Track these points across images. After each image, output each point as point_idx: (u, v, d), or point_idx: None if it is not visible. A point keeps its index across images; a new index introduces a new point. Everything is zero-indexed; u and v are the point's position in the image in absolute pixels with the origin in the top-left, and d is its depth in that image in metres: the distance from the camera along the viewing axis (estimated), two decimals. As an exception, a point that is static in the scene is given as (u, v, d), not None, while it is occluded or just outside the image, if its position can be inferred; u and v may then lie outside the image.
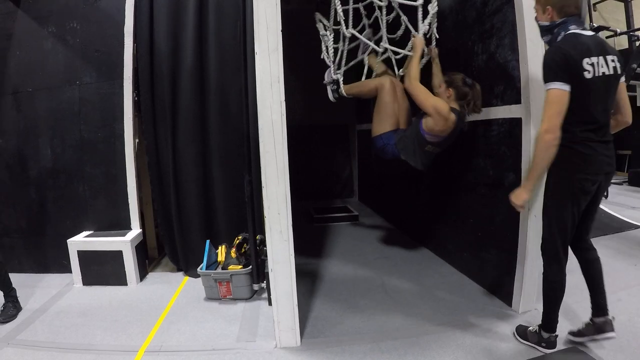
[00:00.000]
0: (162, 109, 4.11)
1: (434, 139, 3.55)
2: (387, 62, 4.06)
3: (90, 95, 4.20)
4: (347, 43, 4.01)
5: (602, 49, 2.35)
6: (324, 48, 4.08)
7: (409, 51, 3.64)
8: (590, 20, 8.00)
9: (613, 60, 2.37)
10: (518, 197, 2.59)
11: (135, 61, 4.11)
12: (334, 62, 3.99)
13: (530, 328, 2.84)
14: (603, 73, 2.33)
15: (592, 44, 2.32)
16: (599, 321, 2.67)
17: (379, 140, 3.87)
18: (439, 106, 3.36)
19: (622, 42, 9.70)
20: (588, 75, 2.29)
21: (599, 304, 2.69)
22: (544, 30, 2.54)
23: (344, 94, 4.01)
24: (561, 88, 2.29)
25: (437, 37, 3.62)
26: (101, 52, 4.17)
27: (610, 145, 2.48)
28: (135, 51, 4.11)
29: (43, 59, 4.22)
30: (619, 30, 8.28)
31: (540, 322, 2.78)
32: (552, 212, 2.55)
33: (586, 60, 2.29)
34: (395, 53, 3.84)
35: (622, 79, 2.49)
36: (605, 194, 7.32)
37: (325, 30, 3.98)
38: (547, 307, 2.69)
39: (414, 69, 3.48)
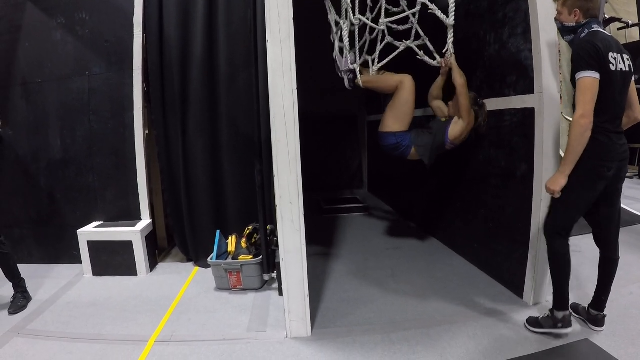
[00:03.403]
0: (171, 99, 4.10)
1: (451, 147, 3.80)
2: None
3: (99, 86, 4.20)
4: (367, 31, 3.88)
5: (619, 48, 2.52)
6: (336, 38, 4.02)
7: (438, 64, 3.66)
8: (603, 12, 7.90)
9: (628, 59, 2.55)
10: (555, 182, 2.62)
11: (144, 51, 4.11)
12: (350, 50, 3.89)
13: (541, 316, 2.88)
14: (621, 69, 2.48)
15: (612, 42, 2.49)
16: (594, 314, 2.87)
17: (391, 137, 3.84)
18: (474, 118, 3.65)
19: (634, 35, 9.62)
20: (612, 68, 2.44)
21: (600, 299, 2.85)
22: (568, 30, 2.67)
23: (360, 84, 3.92)
24: (593, 76, 2.41)
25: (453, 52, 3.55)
26: (110, 43, 4.16)
27: (623, 136, 2.63)
28: (145, 41, 4.10)
29: (52, 50, 4.23)
30: (630, 22, 8.20)
31: (550, 309, 2.84)
32: (570, 196, 2.63)
33: (610, 54, 2.44)
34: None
35: (633, 77, 2.65)
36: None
37: (341, 17, 3.88)
38: (556, 284, 2.78)
39: (462, 74, 3.56)
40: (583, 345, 2.68)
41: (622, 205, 5.69)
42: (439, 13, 3.32)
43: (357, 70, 3.88)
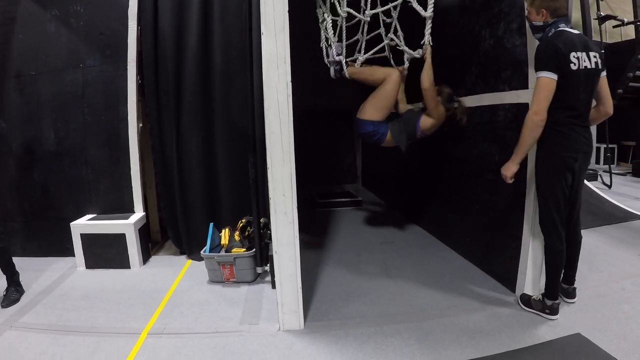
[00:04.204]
0: (166, 92, 4.09)
1: (422, 136, 4.02)
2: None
3: (94, 79, 4.19)
4: (362, 28, 3.88)
5: (586, 46, 2.65)
6: (322, 28, 4.03)
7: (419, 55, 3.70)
8: (598, 9, 7.92)
9: (595, 56, 2.67)
10: (507, 168, 2.90)
11: (139, 44, 4.09)
12: (336, 42, 3.89)
13: (534, 297, 3.06)
14: (585, 67, 2.62)
15: (578, 40, 2.63)
16: (566, 287, 3.14)
17: (369, 124, 3.96)
18: (443, 114, 3.88)
19: (629, 32, 9.62)
20: (574, 67, 2.58)
21: (569, 275, 3.12)
22: (536, 29, 2.80)
23: (347, 76, 3.95)
24: (550, 77, 2.57)
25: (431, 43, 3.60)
26: (105, 35, 4.15)
27: (588, 129, 2.79)
28: (139, 34, 4.08)
29: (46, 42, 4.21)
30: (626, 20, 8.21)
31: (542, 292, 3.00)
32: (544, 189, 2.83)
33: (572, 53, 2.58)
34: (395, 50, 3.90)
35: (604, 73, 2.78)
36: (609, 184, 7.31)
37: (325, 7, 3.88)
38: (549, 276, 2.93)
39: (431, 73, 3.70)
40: (575, 340, 2.69)
41: (615, 202, 5.77)
42: (415, 5, 3.38)
43: (344, 61, 3.90)
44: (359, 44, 3.92)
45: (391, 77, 3.84)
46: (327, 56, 4.01)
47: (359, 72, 3.96)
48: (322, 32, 4.08)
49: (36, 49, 4.22)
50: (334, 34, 3.86)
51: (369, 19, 3.69)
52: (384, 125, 3.98)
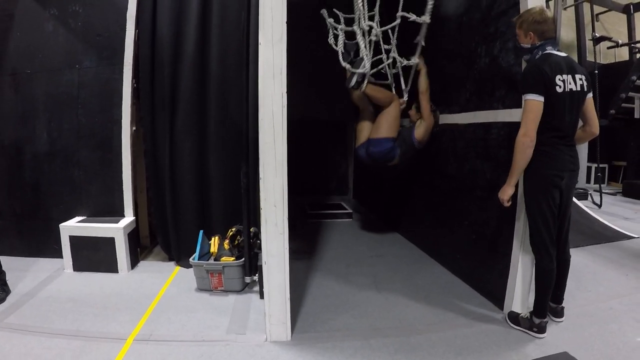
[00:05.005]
0: (161, 97, 4.08)
1: (420, 146, 4.39)
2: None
3: (89, 80, 4.17)
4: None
5: (571, 68, 2.72)
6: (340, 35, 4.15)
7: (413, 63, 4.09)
8: (593, 30, 8.01)
9: (581, 79, 2.74)
10: (504, 192, 2.92)
11: (136, 47, 4.09)
12: (367, 55, 4.01)
13: (522, 314, 3.08)
14: (571, 89, 2.69)
15: (564, 63, 2.71)
16: (554, 306, 3.16)
17: (388, 142, 4.27)
18: (433, 120, 4.32)
19: (623, 54, 9.75)
20: (559, 90, 2.65)
21: (558, 295, 3.14)
22: (525, 51, 2.89)
23: (363, 88, 4.13)
24: (537, 99, 2.65)
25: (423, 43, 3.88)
26: (102, 37, 4.14)
27: (574, 149, 2.86)
28: (137, 37, 4.08)
29: (43, 41, 4.18)
30: (620, 42, 8.32)
31: (530, 310, 3.02)
32: (533, 208, 2.87)
33: (558, 76, 2.65)
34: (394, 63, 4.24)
35: (590, 95, 2.85)
36: (599, 203, 7.36)
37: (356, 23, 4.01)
38: (538, 295, 2.94)
39: (427, 80, 4.23)
40: (562, 359, 2.69)
41: (605, 222, 5.80)
42: (414, 17, 3.67)
43: (367, 75, 4.08)
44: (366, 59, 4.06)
45: (396, 99, 4.30)
46: (353, 66, 4.08)
47: (376, 90, 4.26)
48: (339, 42, 4.17)
49: (33, 47, 4.20)
50: (365, 47, 4.01)
51: (375, 38, 3.93)
52: (396, 142, 4.29)
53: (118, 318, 3.19)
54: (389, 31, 4.01)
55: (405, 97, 4.46)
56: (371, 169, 4.58)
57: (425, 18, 3.70)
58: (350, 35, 4.07)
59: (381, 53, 4.19)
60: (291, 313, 2.92)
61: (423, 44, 3.81)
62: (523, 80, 2.74)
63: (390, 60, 4.17)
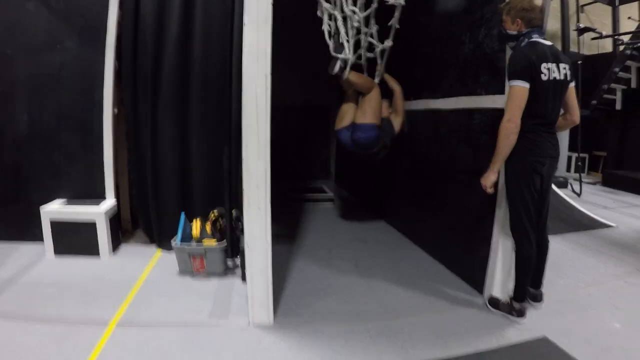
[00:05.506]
0: (143, 79, 4.02)
1: (395, 135, 4.46)
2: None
3: (71, 61, 4.10)
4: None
5: (556, 57, 2.77)
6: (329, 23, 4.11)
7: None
8: (578, 21, 8.07)
9: (564, 68, 2.79)
10: (486, 178, 2.91)
11: (119, 28, 4.02)
12: (347, 41, 4.00)
13: (502, 299, 3.15)
14: (554, 78, 2.73)
15: (549, 52, 2.75)
16: (533, 291, 3.20)
17: (374, 129, 4.19)
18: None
19: (607, 46, 9.84)
20: (544, 78, 2.70)
21: (537, 279, 3.19)
22: (510, 38, 2.90)
23: (346, 74, 4.05)
24: (522, 85, 2.68)
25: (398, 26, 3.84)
26: (85, 18, 4.06)
27: (555, 136, 2.91)
28: (120, 18, 4.01)
29: (24, 21, 4.07)
30: (604, 33, 8.39)
31: (510, 294, 3.09)
32: (514, 193, 2.91)
33: (544, 64, 2.69)
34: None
35: (572, 84, 2.91)
36: (579, 192, 7.46)
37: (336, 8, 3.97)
38: (518, 279, 3.02)
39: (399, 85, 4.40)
40: (541, 343, 2.76)
41: (584, 210, 5.89)
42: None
43: (349, 61, 4.03)
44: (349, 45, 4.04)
45: (377, 86, 4.25)
46: (335, 51, 4.05)
47: (359, 76, 4.20)
48: (325, 27, 4.15)
49: (14, 27, 4.08)
50: (347, 32, 3.98)
51: (357, 24, 3.86)
52: (380, 130, 4.24)
53: (100, 303, 3.16)
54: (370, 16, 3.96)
55: (377, 80, 4.37)
56: (352, 154, 4.57)
57: (400, 0, 3.67)
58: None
59: (360, 39, 4.15)
60: (273, 297, 2.93)
61: (397, 26, 3.79)
62: (509, 67, 2.75)
63: (366, 44, 4.12)
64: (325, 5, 3.98)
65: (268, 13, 2.56)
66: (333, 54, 4.02)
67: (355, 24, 3.87)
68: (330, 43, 4.09)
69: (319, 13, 4.13)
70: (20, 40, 4.10)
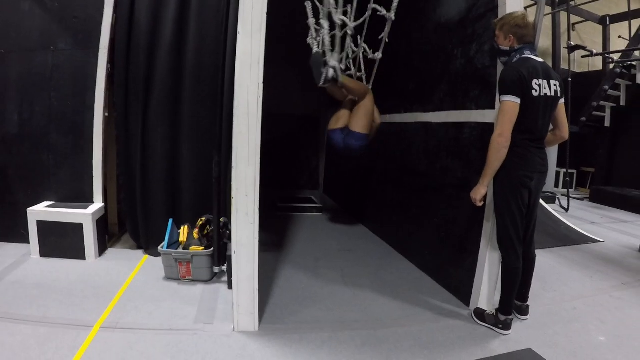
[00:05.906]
0: (135, 83, 4.02)
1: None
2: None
3: (63, 62, 4.10)
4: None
5: (547, 74, 2.80)
6: (315, 36, 4.13)
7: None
8: (569, 39, 8.17)
9: (555, 85, 2.83)
10: (476, 191, 2.95)
11: (113, 32, 4.02)
12: (332, 50, 4.04)
13: (488, 311, 3.15)
14: (545, 94, 2.77)
15: (540, 68, 2.78)
16: (519, 304, 3.22)
17: (365, 139, 4.32)
18: None
19: (597, 64, 9.97)
20: (535, 94, 2.73)
21: (523, 293, 3.20)
22: (502, 53, 2.94)
23: (340, 80, 4.06)
24: (514, 101, 2.70)
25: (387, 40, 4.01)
26: (79, 20, 4.06)
27: (544, 151, 2.94)
28: (114, 21, 4.02)
29: (18, 21, 4.08)
30: (594, 51, 8.50)
31: (496, 307, 3.08)
32: (502, 207, 2.93)
33: (535, 80, 2.73)
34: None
35: (562, 100, 2.94)
36: (567, 207, 7.52)
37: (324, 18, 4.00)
38: (504, 292, 3.01)
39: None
40: (526, 355, 2.77)
41: (571, 225, 5.94)
42: (384, 12, 3.74)
43: (339, 68, 4.04)
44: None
45: (370, 93, 4.29)
46: (325, 62, 4.06)
47: (352, 82, 4.25)
48: (310, 38, 4.18)
49: (7, 26, 4.09)
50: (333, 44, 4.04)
51: (351, 31, 3.94)
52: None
53: (85, 305, 3.14)
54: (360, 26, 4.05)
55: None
56: (342, 161, 4.60)
57: (391, 15, 3.75)
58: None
59: (347, 48, 4.28)
60: (259, 304, 2.93)
61: (387, 40, 3.86)
62: (501, 82, 2.79)
63: (354, 55, 4.24)
64: (311, 20, 4.09)
65: (262, 22, 2.59)
66: (311, 64, 4.05)
67: (349, 32, 3.92)
68: (314, 48, 4.11)
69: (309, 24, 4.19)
70: (14, 40, 4.10)
